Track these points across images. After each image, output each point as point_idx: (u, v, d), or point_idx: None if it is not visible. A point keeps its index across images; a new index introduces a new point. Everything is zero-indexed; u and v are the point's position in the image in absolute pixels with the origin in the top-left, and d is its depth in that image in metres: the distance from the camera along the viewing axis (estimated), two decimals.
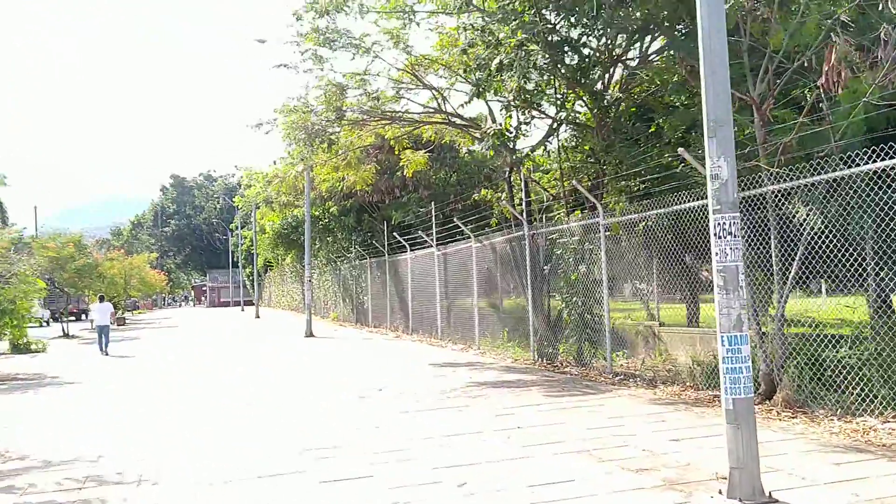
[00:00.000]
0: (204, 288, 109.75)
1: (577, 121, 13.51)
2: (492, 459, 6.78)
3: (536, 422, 8.54)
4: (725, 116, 5.62)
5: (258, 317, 48.88)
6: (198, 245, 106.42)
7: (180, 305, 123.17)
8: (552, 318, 14.86)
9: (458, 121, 17.66)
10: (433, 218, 21.79)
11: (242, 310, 68.66)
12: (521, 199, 15.68)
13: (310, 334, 26.23)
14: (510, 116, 13.56)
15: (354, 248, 31.45)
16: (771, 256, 8.96)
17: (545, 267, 15.20)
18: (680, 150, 9.51)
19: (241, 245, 69.88)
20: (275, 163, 40.94)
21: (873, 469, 6.07)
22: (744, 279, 5.53)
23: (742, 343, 5.42)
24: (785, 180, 8.66)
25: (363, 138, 21.21)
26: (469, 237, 18.41)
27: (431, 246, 21.64)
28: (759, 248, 9.26)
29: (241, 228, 70.96)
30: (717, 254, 5.57)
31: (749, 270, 9.21)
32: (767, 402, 8.76)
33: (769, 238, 9.00)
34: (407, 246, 24.08)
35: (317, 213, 32.42)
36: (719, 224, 5.53)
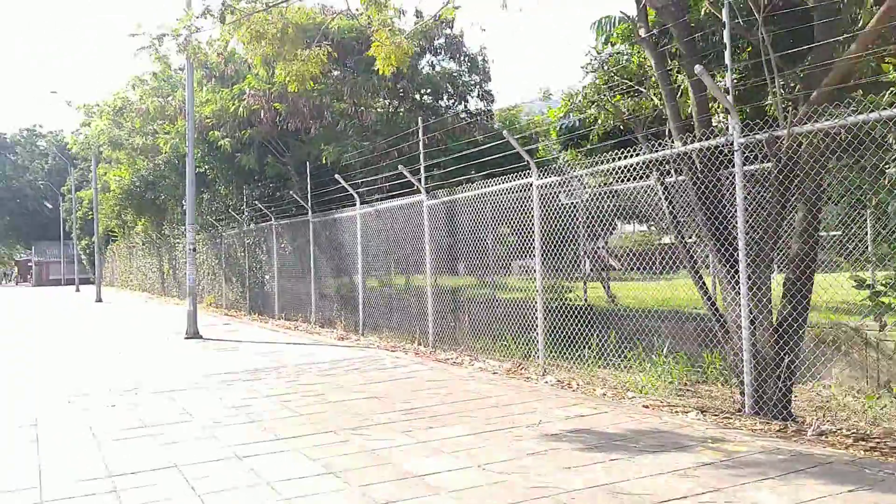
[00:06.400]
0: (29, 263, 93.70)
1: None
2: None
3: None
4: None
5: (100, 300, 37.41)
6: (21, 213, 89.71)
7: (1, 284, 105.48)
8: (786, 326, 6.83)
9: None
10: (421, 145, 13.08)
11: (77, 290, 55.93)
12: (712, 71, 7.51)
13: (195, 334, 16.67)
14: None
15: (250, 204, 21.96)
16: None
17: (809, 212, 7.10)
18: None
19: (76, 211, 56.89)
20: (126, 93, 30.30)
21: None
22: None
23: None
24: None
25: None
26: (527, 166, 10.01)
27: (419, 192, 13.00)
28: None
29: (78, 191, 57.93)
30: None
31: None
32: None
33: None
34: (356, 196, 15.28)
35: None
36: None
